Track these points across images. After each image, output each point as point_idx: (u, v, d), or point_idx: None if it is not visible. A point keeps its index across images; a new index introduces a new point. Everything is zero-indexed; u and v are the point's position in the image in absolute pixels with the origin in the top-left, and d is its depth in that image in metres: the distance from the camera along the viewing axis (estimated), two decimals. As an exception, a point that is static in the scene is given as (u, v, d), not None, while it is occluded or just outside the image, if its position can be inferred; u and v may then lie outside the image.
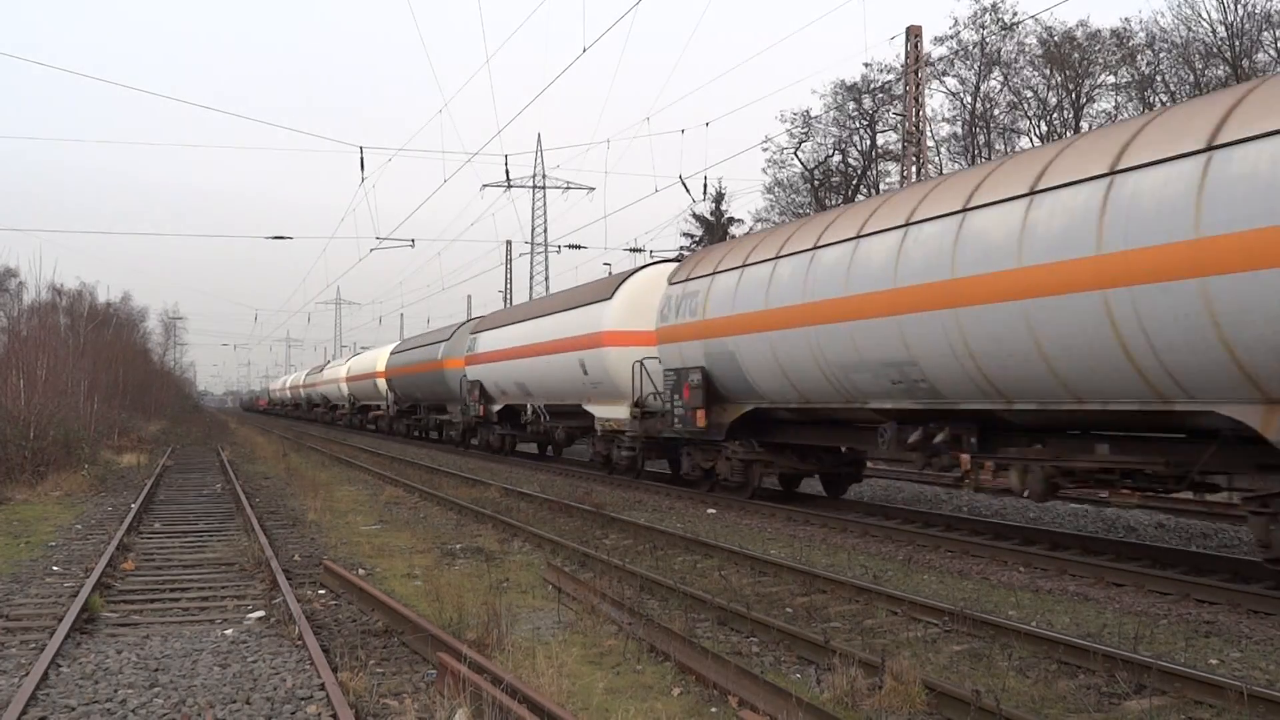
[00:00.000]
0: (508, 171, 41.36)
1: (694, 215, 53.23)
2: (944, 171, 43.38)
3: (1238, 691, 5.75)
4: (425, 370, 34.84)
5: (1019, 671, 6.63)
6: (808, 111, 48.82)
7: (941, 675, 6.37)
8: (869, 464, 17.83)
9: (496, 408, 27.98)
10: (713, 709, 5.98)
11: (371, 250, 41.85)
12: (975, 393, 10.82)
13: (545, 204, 54.00)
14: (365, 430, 51.90)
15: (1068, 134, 42.85)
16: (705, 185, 38.30)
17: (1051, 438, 10.73)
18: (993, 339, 10.13)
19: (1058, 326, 9.36)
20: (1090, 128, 41.11)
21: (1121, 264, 8.67)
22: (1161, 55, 40.08)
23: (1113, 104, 41.82)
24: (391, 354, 41.94)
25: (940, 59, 42.92)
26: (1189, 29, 38.63)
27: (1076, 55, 41.85)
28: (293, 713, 6.00)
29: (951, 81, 45.26)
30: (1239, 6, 37.00)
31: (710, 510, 15.71)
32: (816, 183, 50.30)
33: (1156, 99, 39.17)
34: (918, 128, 27.15)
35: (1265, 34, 37.14)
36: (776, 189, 52.34)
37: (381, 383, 43.51)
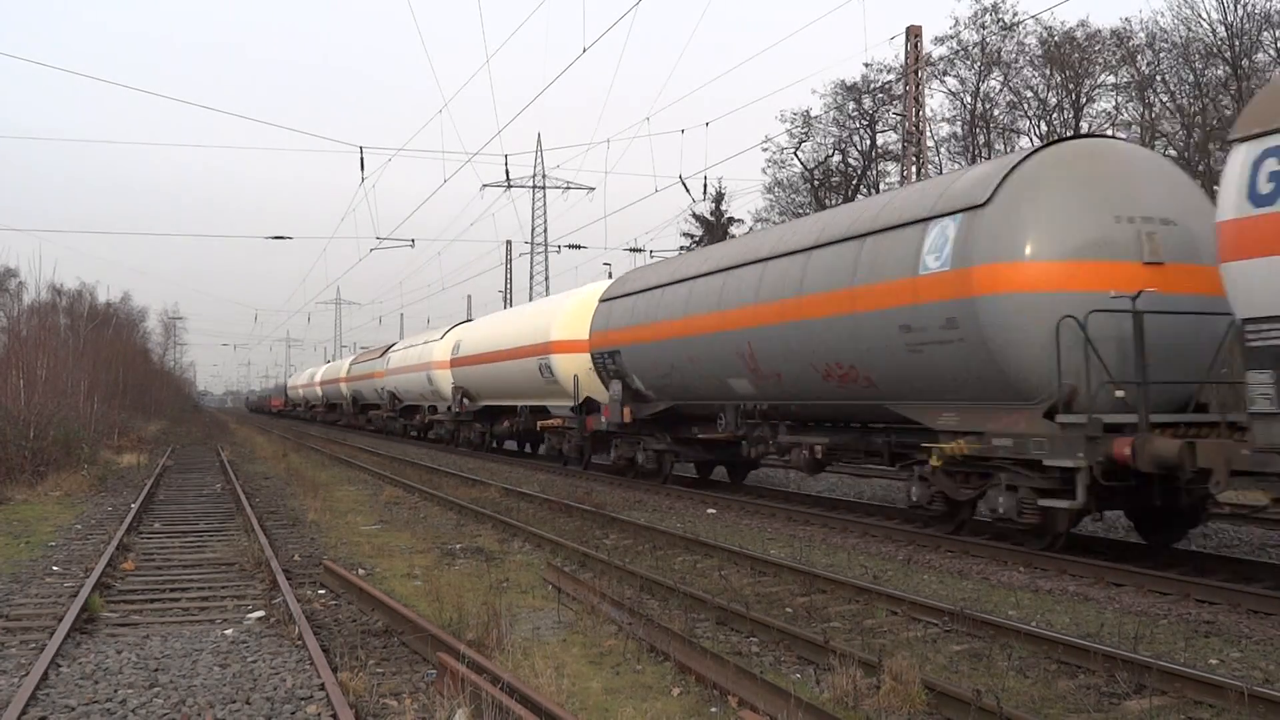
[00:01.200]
0: (508, 171, 41.40)
1: (694, 215, 53.22)
2: (944, 171, 43.38)
3: (1238, 691, 5.75)
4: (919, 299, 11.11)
5: (1019, 671, 6.63)
6: (808, 111, 48.77)
7: (941, 675, 6.37)
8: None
9: None
10: (712, 709, 5.98)
11: (371, 250, 41.88)
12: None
13: (545, 204, 54.04)
14: (494, 454, 29.95)
15: (1068, 134, 42.88)
16: (705, 185, 38.30)
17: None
18: None
19: None
20: (1090, 128, 41.16)
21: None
22: (1161, 55, 40.04)
23: (1113, 104, 41.80)
24: (607, 300, 20.37)
25: (940, 59, 42.90)
26: (1189, 29, 38.60)
27: (1076, 55, 41.82)
28: (293, 713, 6.00)
29: (951, 81, 45.22)
30: (1239, 6, 36.97)
31: (710, 510, 15.71)
32: (816, 183, 50.28)
33: (1156, 99, 39.17)
34: (918, 128, 27.15)
35: (1265, 34, 37.13)
36: (776, 189, 52.32)
37: (565, 365, 22.58)
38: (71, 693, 6.45)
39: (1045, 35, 41.78)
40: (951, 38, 43.14)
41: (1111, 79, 42.01)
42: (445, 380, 32.29)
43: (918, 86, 26.93)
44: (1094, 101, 42.66)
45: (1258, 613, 8.20)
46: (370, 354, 50.23)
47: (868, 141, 48.56)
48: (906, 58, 26.95)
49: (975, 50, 43.20)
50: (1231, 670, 6.63)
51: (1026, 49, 43.00)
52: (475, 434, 30.99)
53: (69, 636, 7.73)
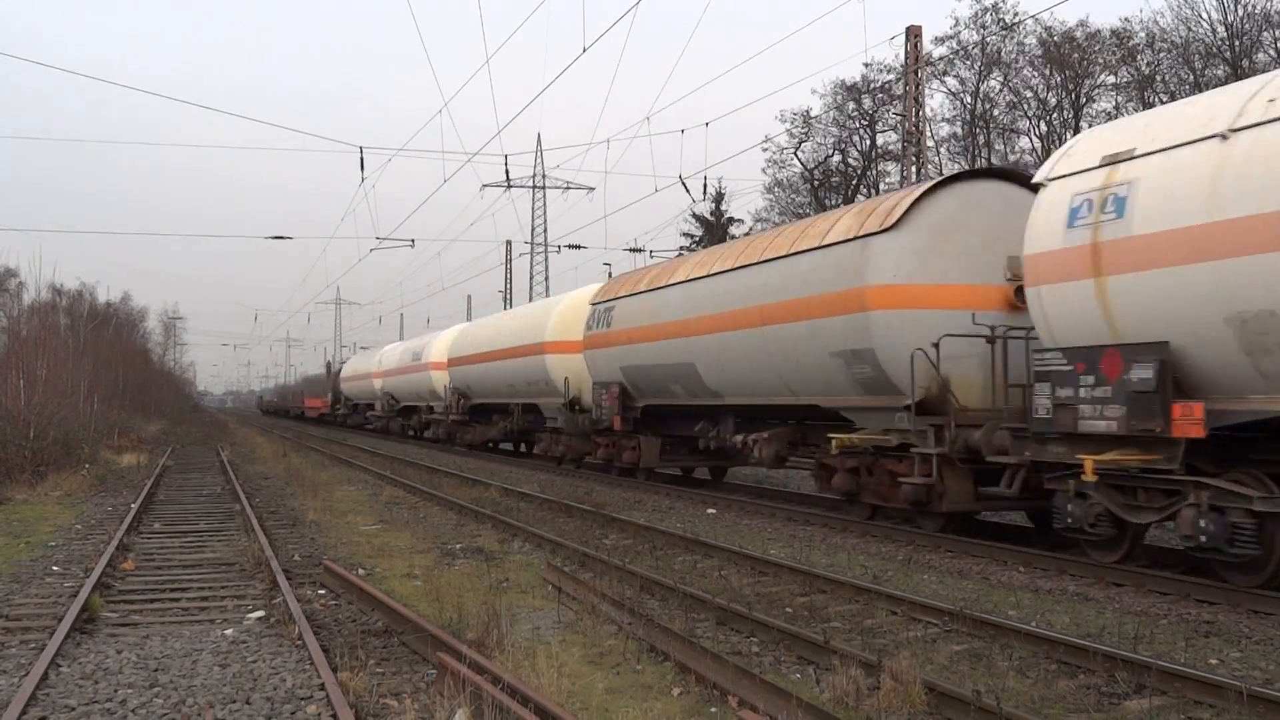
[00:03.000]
0: (508, 171, 41.26)
1: (694, 215, 53.23)
2: (944, 171, 43.39)
3: (1238, 691, 5.75)
4: None
5: (1019, 671, 6.63)
6: (808, 111, 48.79)
7: (941, 675, 6.37)
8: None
9: None
10: (713, 709, 5.98)
11: (371, 250, 41.78)
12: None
13: (545, 204, 54.00)
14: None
15: (1068, 135, 42.88)
16: (705, 185, 38.14)
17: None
18: None
19: None
20: (1090, 128, 41.12)
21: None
22: (1161, 55, 40.08)
23: (1113, 104, 41.80)
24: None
25: (940, 59, 42.91)
26: (1189, 29, 38.65)
27: (1076, 55, 41.83)
28: (293, 713, 6.00)
29: (951, 81, 45.29)
30: (1239, 6, 37.01)
31: (710, 510, 15.71)
32: (816, 183, 50.32)
33: (1156, 99, 39.15)
34: (918, 128, 27.15)
35: (1265, 34, 37.15)
36: (776, 189, 52.39)
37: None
38: (71, 693, 6.45)
39: (1045, 35, 41.83)
40: (951, 38, 43.20)
41: (1111, 79, 42.07)
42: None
43: (918, 86, 26.93)
44: (1094, 101, 42.73)
45: (1258, 613, 8.20)
46: (616, 290, 21.41)
47: (868, 141, 48.63)
48: (906, 58, 26.94)
49: (975, 50, 43.23)
50: (1231, 670, 6.63)
51: (1026, 49, 43.07)
52: None
53: (69, 636, 7.72)
